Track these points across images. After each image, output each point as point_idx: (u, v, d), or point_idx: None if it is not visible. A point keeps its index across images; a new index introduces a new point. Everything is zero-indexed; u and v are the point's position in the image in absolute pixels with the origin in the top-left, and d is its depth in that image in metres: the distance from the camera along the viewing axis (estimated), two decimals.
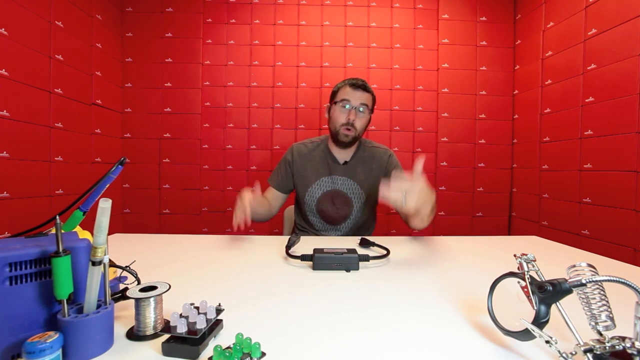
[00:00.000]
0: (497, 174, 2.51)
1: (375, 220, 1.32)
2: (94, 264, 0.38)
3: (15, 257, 0.37)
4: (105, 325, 0.39)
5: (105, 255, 0.39)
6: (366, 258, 0.72)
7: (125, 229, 2.38)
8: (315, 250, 0.72)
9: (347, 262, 0.70)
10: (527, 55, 2.37)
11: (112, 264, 0.51)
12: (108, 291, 0.41)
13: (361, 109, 1.14)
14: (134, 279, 0.51)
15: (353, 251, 0.72)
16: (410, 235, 1.07)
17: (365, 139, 1.28)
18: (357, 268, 0.70)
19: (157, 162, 2.42)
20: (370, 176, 1.21)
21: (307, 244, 0.93)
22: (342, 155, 1.22)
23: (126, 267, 0.52)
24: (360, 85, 1.15)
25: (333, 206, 1.20)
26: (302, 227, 1.28)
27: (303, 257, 0.73)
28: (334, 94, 1.20)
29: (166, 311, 0.46)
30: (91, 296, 0.39)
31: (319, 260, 0.70)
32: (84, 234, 0.49)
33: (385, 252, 0.79)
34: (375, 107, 1.21)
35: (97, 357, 0.38)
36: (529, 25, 2.36)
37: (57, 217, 0.38)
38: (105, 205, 0.38)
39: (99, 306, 0.40)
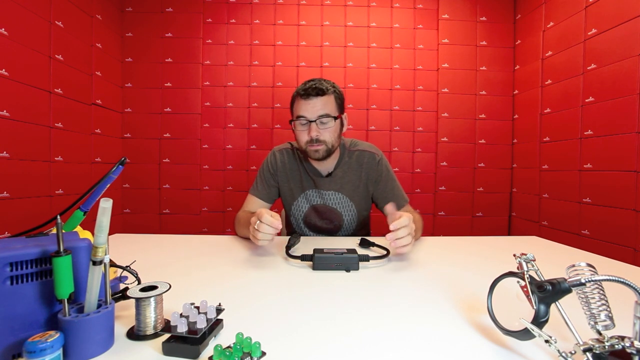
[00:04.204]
0: (497, 174, 2.52)
1: (369, 224, 1.24)
2: (94, 263, 0.38)
3: (16, 257, 0.37)
4: (105, 325, 0.39)
5: (105, 255, 0.39)
6: (366, 258, 0.72)
7: (125, 229, 2.39)
8: (315, 250, 0.72)
9: (347, 262, 0.70)
10: (527, 55, 2.37)
11: (112, 264, 0.51)
12: (108, 291, 0.41)
13: (324, 120, 0.96)
14: (135, 278, 0.52)
15: (353, 251, 0.72)
16: None
17: (351, 139, 1.14)
18: (357, 268, 0.70)
19: (157, 162, 2.42)
20: (358, 185, 1.08)
21: (307, 244, 0.93)
22: (324, 166, 1.07)
23: (126, 267, 0.53)
24: (311, 92, 0.95)
25: (322, 220, 1.11)
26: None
27: (303, 257, 0.73)
28: (291, 107, 1.03)
29: (166, 311, 0.46)
30: (92, 296, 0.39)
31: (319, 261, 0.70)
32: (84, 234, 0.50)
33: (385, 252, 0.79)
34: (344, 104, 1.05)
35: (97, 356, 0.38)
36: (529, 25, 2.36)
37: (58, 217, 0.38)
38: (106, 205, 0.38)
39: (99, 306, 0.40)
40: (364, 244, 0.91)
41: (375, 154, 1.10)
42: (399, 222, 0.71)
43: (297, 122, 0.98)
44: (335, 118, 0.98)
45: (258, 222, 0.75)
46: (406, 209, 1.08)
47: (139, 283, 0.56)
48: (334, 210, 1.09)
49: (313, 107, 0.96)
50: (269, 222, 0.74)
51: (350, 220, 1.11)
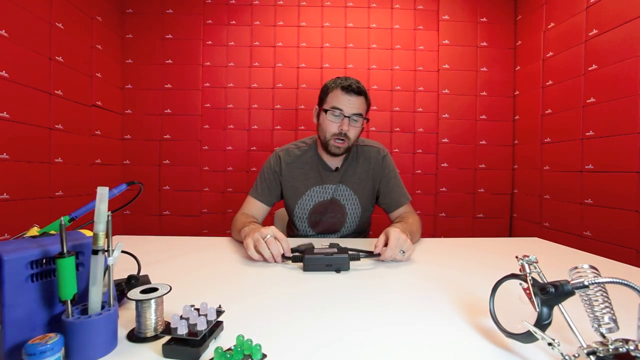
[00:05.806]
0: (498, 175, 2.51)
1: (370, 223, 1.25)
2: (95, 252, 0.38)
3: (34, 256, 0.38)
4: (108, 327, 0.39)
5: (105, 243, 0.39)
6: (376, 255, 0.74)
7: (125, 231, 2.38)
8: (306, 250, 0.71)
9: (337, 262, 0.69)
10: (527, 56, 2.37)
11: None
12: (112, 292, 0.41)
13: (356, 118, 1.00)
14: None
15: (344, 250, 0.72)
16: None
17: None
18: (347, 269, 0.69)
19: (157, 164, 2.42)
20: (363, 179, 1.11)
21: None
22: (334, 161, 1.10)
23: (131, 254, 0.52)
24: (354, 88, 0.99)
25: (326, 216, 1.11)
26: (294, 235, 1.20)
27: (294, 258, 0.73)
28: (323, 96, 1.06)
29: (167, 313, 0.46)
30: (96, 287, 0.39)
31: (309, 262, 0.69)
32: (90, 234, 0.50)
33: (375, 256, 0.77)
34: (370, 108, 1.09)
35: (99, 359, 0.38)
36: (529, 26, 2.36)
37: (62, 218, 0.38)
38: (102, 192, 0.38)
39: (102, 307, 0.40)
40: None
41: (381, 150, 1.14)
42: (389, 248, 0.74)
43: (331, 112, 1.01)
44: (366, 118, 1.04)
45: (270, 236, 0.75)
46: (406, 208, 1.10)
47: (140, 269, 0.56)
48: (338, 201, 1.10)
49: (352, 104, 0.99)
50: (283, 241, 0.75)
51: (354, 215, 1.12)
